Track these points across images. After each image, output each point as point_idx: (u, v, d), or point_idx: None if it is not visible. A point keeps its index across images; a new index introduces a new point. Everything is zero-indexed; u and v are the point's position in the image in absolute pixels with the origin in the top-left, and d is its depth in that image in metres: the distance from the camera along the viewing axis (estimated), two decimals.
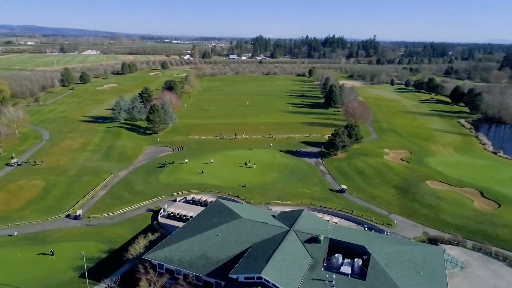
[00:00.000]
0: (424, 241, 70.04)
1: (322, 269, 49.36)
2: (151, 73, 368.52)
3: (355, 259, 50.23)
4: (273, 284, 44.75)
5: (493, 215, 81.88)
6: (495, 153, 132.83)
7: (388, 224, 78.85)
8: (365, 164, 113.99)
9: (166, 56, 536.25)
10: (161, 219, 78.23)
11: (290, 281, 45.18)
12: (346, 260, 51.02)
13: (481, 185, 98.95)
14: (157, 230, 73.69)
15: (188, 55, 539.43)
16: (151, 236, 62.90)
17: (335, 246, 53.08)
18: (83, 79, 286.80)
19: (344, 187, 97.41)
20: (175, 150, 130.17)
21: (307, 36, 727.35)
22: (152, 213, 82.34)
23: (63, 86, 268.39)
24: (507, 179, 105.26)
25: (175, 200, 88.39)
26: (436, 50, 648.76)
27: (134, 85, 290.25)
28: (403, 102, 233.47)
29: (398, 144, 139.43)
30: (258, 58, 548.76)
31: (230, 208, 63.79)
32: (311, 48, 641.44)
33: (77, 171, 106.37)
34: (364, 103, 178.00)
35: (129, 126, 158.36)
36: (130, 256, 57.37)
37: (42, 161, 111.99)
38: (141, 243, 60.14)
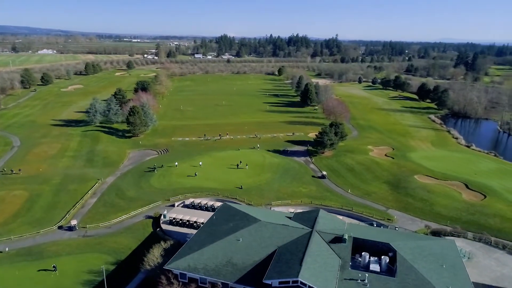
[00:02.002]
0: (426, 235, 72.75)
1: (350, 269, 49.71)
2: (117, 73, 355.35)
3: (382, 257, 51.04)
4: (309, 287, 44.48)
5: (482, 206, 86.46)
6: (468, 147, 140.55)
7: (388, 219, 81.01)
8: (353, 161, 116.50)
9: (129, 55, 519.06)
10: (164, 226, 75.50)
11: (326, 283, 45.12)
12: (372, 258, 51.72)
13: (464, 177, 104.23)
14: (162, 237, 71.20)
15: (152, 55, 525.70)
16: (163, 245, 60.40)
17: (359, 244, 53.66)
18: (45, 80, 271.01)
19: (324, 173, 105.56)
20: (160, 153, 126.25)
21: (271, 35, 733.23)
22: (152, 219, 79.26)
23: (24, 88, 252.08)
24: (486, 171, 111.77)
25: (173, 205, 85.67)
26: (395, 49, 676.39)
27: (101, 86, 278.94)
28: (374, 99, 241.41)
29: (379, 140, 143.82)
30: (224, 57, 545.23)
31: (244, 211, 62.63)
32: (276, 47, 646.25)
33: (60, 179, 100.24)
34: (342, 101, 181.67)
35: (106, 130, 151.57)
36: (148, 267, 54.74)
37: (19, 170, 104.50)
38: (156, 252, 57.57)
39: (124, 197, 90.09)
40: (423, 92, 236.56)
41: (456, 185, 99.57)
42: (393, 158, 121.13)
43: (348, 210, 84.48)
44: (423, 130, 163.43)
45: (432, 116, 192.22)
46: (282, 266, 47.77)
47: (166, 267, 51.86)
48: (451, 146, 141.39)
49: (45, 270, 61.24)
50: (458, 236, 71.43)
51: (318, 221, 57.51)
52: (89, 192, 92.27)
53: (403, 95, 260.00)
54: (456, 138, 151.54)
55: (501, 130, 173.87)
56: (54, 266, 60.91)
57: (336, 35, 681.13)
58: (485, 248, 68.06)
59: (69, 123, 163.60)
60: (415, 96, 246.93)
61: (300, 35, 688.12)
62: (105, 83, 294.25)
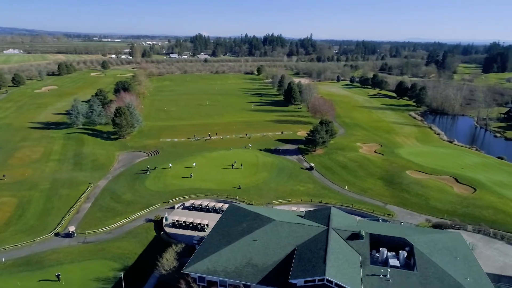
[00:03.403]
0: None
1: (370, 265, 50.19)
2: (92, 74, 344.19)
3: (400, 251, 51.86)
4: (336, 285, 44.57)
5: (474, 199, 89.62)
6: (450, 142, 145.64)
7: (388, 214, 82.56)
8: (345, 158, 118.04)
9: (102, 55, 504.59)
10: (167, 229, 73.68)
11: (352, 280, 45.34)
12: (389, 254, 52.44)
13: (452, 172, 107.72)
14: (167, 241, 69.59)
15: (126, 54, 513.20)
16: (175, 248, 58.88)
17: (375, 240, 54.29)
18: (17, 81, 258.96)
19: (312, 165, 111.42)
20: (150, 155, 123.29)
21: (246, 34, 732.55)
22: (153, 223, 77.21)
23: None
24: (472, 165, 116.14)
25: (173, 208, 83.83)
26: (367, 48, 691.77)
27: (76, 87, 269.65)
28: (355, 97, 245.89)
29: (366, 137, 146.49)
30: (200, 56, 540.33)
31: (254, 211, 62.05)
32: (252, 46, 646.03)
33: (49, 184, 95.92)
34: (328, 100, 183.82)
35: (90, 132, 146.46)
36: (164, 271, 53.17)
37: (4, 175, 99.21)
38: (169, 255, 56.00)
39: (120, 201, 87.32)
40: (401, 90, 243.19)
41: (446, 179, 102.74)
42: (382, 154, 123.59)
43: (349, 206, 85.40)
44: (406, 127, 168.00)
45: (412, 113, 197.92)
46: (306, 265, 47.60)
47: (184, 270, 50.56)
48: (435, 142, 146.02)
49: (48, 280, 58.42)
50: (458, 229, 73.67)
51: (331, 218, 57.74)
52: (82, 196, 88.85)
53: (382, 93, 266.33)
54: (438, 134, 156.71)
55: (477, 125, 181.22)
56: (57, 275, 58.17)
57: (311, 34, 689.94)
58: (485, 239, 70.64)
59: (48, 125, 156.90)
60: (394, 94, 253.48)
61: (275, 34, 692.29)
62: (80, 83, 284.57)
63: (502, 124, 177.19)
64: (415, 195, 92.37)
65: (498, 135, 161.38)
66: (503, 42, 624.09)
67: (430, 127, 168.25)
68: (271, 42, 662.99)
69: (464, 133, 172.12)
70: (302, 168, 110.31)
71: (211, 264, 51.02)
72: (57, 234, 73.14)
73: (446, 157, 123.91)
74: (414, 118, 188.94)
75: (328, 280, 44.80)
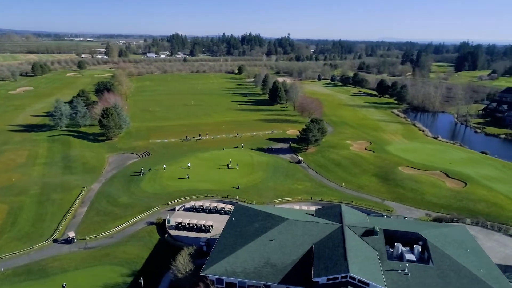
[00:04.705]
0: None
1: (387, 260, 50.88)
2: (68, 74, 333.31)
3: (415, 246, 52.84)
4: (359, 281, 44.92)
5: (467, 193, 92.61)
6: (435, 138, 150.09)
7: (387, 210, 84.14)
8: (338, 156, 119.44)
9: (77, 55, 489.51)
10: (171, 231, 72.20)
11: (374, 275, 45.80)
12: (404, 248, 53.36)
13: (442, 167, 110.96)
14: (173, 243, 68.30)
15: (102, 54, 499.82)
16: (186, 250, 57.70)
17: (388, 236, 55.08)
18: None
19: (301, 158, 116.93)
20: (141, 156, 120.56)
21: (223, 34, 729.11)
22: (155, 226, 75.47)
23: None
24: (459, 160, 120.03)
25: (173, 209, 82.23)
26: (344, 47, 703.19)
27: (53, 87, 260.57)
28: (338, 96, 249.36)
29: (354, 135, 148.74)
30: (178, 56, 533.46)
31: (265, 211, 61.68)
32: (230, 45, 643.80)
33: (39, 188, 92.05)
34: (316, 98, 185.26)
35: (75, 134, 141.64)
36: (180, 275, 51.99)
37: None
38: (184, 258, 54.78)
39: (117, 204, 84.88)
40: (382, 88, 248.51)
41: (437, 174, 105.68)
42: (373, 151, 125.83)
43: (349, 203, 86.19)
44: (392, 124, 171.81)
45: (395, 111, 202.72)
46: (327, 263, 47.73)
47: (202, 273, 49.67)
48: (420, 138, 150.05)
49: None
50: (457, 222, 76.01)
51: (343, 215, 58.16)
52: (77, 201, 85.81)
53: (363, 91, 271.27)
54: (423, 131, 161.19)
55: (457, 121, 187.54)
56: (64, 285, 55.80)
57: (288, 34, 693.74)
58: (484, 232, 73.13)
59: (29, 128, 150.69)
60: (375, 92, 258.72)
61: (253, 34, 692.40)
62: (57, 84, 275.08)
63: (481, 120, 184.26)
64: (410, 190, 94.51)
65: (479, 130, 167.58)
66: (472, 42, 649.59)
67: (414, 124, 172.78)
68: (249, 41, 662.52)
69: (445, 129, 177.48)
70: (291, 162, 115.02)
71: (229, 266, 50.35)
72: (55, 241, 70.28)
73: (434, 152, 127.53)
74: (398, 115, 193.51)
75: (351, 277, 45.08)
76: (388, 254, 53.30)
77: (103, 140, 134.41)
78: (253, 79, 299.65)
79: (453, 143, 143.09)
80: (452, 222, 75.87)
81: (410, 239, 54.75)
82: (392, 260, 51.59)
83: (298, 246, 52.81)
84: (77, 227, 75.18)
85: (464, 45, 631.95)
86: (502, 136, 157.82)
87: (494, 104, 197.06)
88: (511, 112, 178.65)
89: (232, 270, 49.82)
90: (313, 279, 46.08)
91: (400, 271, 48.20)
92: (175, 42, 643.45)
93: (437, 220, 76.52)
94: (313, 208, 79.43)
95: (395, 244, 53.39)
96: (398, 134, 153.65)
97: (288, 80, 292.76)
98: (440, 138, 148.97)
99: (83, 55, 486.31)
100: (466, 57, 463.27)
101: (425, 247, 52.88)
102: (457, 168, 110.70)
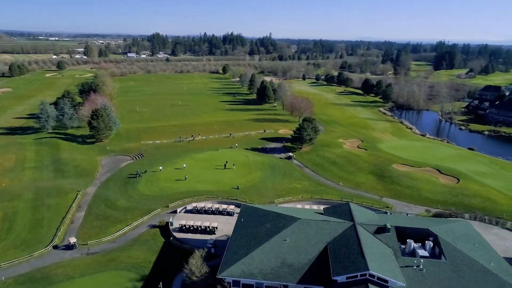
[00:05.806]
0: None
1: (401, 256, 51.60)
2: (47, 75, 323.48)
3: (426, 242, 53.80)
4: (378, 278, 45.38)
5: (461, 188, 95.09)
6: (423, 135, 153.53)
7: (387, 207, 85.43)
8: (332, 154, 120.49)
9: (54, 55, 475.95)
10: (176, 234, 71.05)
11: (392, 272, 46.35)
12: (415, 244, 54.25)
13: (433, 163, 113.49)
14: (179, 246, 67.29)
15: (80, 54, 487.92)
16: (198, 253, 56.86)
17: (400, 232, 55.84)
18: None
19: (291, 154, 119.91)
20: (135, 158, 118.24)
21: (205, 33, 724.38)
22: (158, 229, 74.10)
23: None
24: (449, 157, 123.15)
25: (175, 211, 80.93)
26: (325, 47, 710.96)
27: (33, 88, 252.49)
28: (324, 95, 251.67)
29: (345, 134, 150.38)
30: (160, 56, 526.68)
31: (274, 211, 61.53)
32: (212, 45, 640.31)
33: (32, 193, 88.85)
34: (306, 97, 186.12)
35: (63, 136, 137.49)
36: (195, 278, 51.19)
37: None
38: (196, 261, 53.98)
39: (116, 208, 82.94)
40: (367, 87, 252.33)
41: (430, 171, 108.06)
42: (366, 149, 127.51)
43: (349, 201, 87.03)
44: (380, 122, 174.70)
45: (382, 109, 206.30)
46: (345, 261, 48.00)
47: (219, 275, 49.09)
48: (409, 136, 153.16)
49: None
50: (456, 217, 77.96)
51: (354, 214, 58.63)
52: (74, 205, 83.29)
53: (349, 90, 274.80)
54: (410, 129, 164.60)
55: (442, 119, 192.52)
56: None
57: (270, 33, 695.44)
58: (482, 226, 75.21)
59: (13, 130, 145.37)
60: (360, 91, 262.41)
61: (235, 33, 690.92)
62: (36, 85, 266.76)
63: (464, 117, 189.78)
64: (406, 187, 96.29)
65: (463, 127, 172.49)
66: (448, 41, 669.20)
67: (401, 122, 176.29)
68: (231, 41, 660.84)
69: (431, 126, 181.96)
70: (281, 158, 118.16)
71: (246, 267, 49.96)
72: (55, 247, 68.05)
73: (424, 150, 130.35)
74: (384, 113, 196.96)
75: (370, 275, 45.49)
76: (400, 251, 54.10)
77: (92, 142, 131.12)
78: (238, 79, 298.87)
79: (441, 140, 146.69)
80: (452, 217, 77.75)
81: (420, 235, 55.72)
82: (404, 256, 52.36)
83: (312, 245, 52.89)
84: (77, 232, 73.06)
85: (440, 44, 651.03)
86: (486, 132, 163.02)
87: (476, 102, 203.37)
88: (492, 110, 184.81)
89: (249, 272, 49.46)
90: (333, 278, 46.24)
91: (415, 267, 48.98)
92: (156, 42, 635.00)
93: (437, 215, 78.19)
94: (315, 207, 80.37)
95: (407, 240, 54.23)
96: (388, 132, 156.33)
97: (275, 80, 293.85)
98: (428, 136, 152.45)
99: (61, 55, 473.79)
100: (443, 56, 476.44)
101: (436, 242, 53.90)
102: (448, 164, 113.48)
